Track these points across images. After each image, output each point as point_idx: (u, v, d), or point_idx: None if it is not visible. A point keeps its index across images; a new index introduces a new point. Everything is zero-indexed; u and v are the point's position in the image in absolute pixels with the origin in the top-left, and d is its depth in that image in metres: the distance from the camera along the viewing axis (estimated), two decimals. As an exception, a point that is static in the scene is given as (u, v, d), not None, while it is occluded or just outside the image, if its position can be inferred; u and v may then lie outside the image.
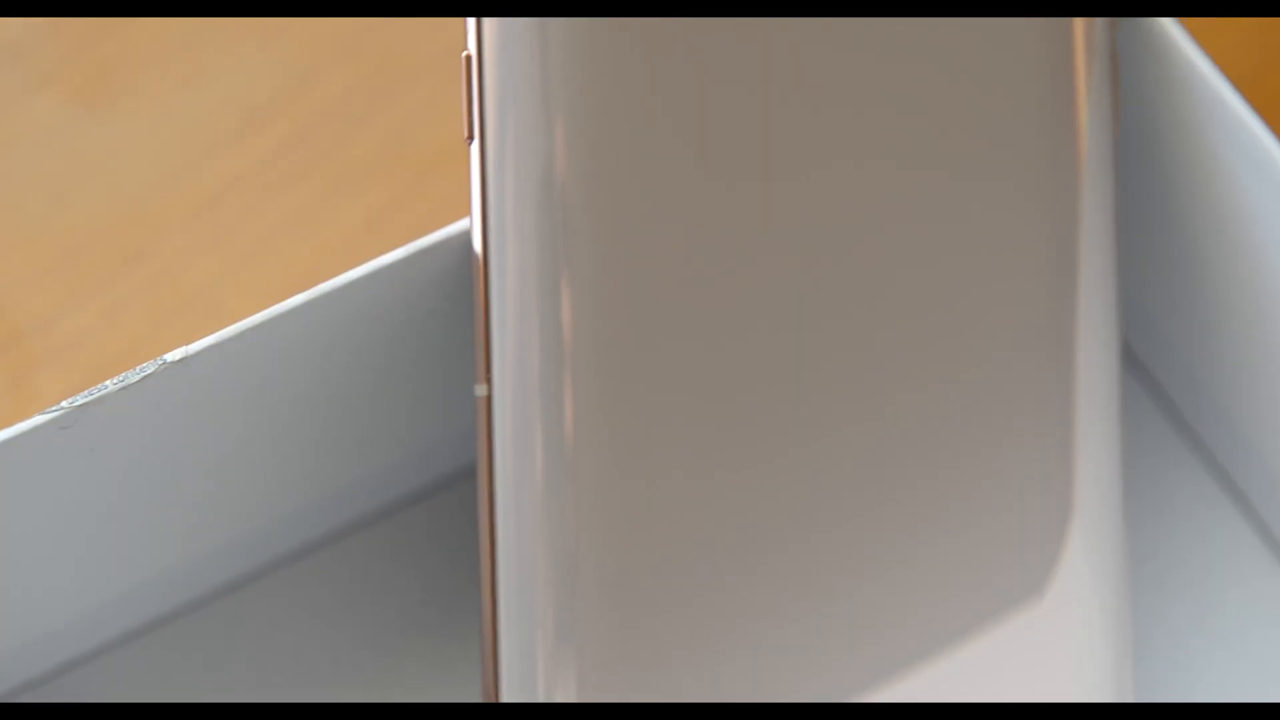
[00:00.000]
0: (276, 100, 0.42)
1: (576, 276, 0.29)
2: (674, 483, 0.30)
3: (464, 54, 0.30)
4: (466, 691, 0.34)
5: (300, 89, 0.42)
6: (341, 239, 0.41)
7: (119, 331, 0.40)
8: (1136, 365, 0.37)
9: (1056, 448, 0.30)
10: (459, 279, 0.31)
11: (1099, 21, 0.31)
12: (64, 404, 0.29)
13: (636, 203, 0.30)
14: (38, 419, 0.29)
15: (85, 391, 0.29)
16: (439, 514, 0.35)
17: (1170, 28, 0.32)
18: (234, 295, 0.40)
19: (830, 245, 0.30)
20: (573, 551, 0.29)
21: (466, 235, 0.31)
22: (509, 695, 0.29)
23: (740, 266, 0.30)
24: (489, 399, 0.30)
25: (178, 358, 0.30)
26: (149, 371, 0.29)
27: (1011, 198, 0.31)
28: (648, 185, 0.30)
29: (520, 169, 0.29)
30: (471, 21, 0.30)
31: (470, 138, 0.30)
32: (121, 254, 0.40)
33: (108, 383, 0.29)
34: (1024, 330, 0.31)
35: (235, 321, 0.38)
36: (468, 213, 0.34)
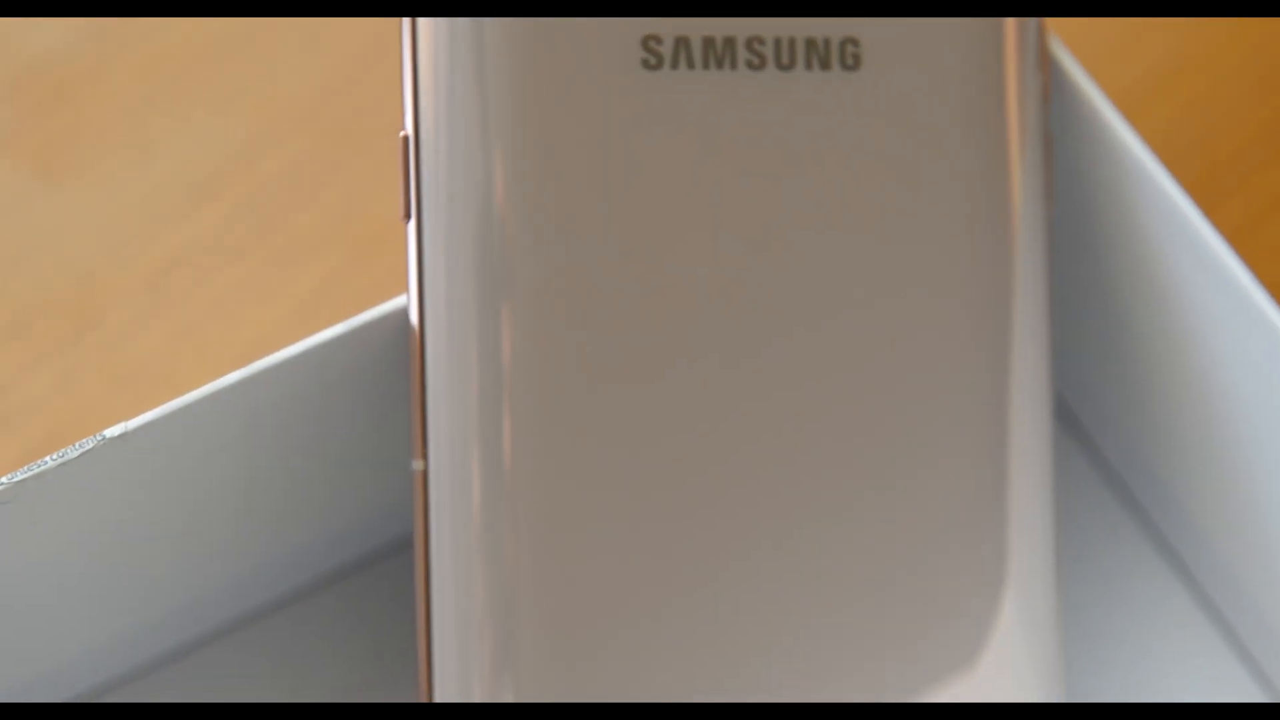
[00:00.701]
0: (227, 171, 0.42)
1: (511, 353, 0.30)
2: (613, 556, 0.30)
3: (401, 134, 0.30)
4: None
5: (250, 160, 0.42)
6: (290, 308, 0.41)
7: (70, 400, 0.40)
8: (1072, 422, 0.38)
9: (988, 506, 0.31)
10: (397, 354, 0.32)
11: (1033, 93, 0.31)
12: (2, 480, 0.30)
13: (572, 280, 0.30)
14: (-25, 493, 0.29)
15: (25, 467, 0.30)
16: (377, 585, 0.36)
17: (1102, 106, 0.32)
18: (184, 364, 0.40)
19: (766, 301, 0.30)
20: (509, 624, 0.29)
21: (404, 311, 0.31)
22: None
23: (679, 333, 0.30)
24: (424, 474, 0.30)
25: (117, 433, 0.30)
26: (88, 447, 0.30)
27: (945, 257, 0.31)
28: (584, 262, 0.30)
29: (455, 248, 0.30)
30: (409, 102, 0.30)
31: (406, 217, 0.30)
32: (73, 323, 0.41)
33: (47, 459, 0.30)
34: (956, 386, 0.31)
35: (186, 390, 0.38)
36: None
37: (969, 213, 0.31)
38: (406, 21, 0.30)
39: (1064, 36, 0.41)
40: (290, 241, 0.42)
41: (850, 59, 0.31)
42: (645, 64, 0.30)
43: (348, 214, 0.42)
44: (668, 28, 0.30)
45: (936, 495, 0.31)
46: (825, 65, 0.31)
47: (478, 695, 0.29)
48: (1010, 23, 0.32)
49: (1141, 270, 0.33)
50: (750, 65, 0.31)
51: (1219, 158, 0.43)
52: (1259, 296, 0.31)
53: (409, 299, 0.30)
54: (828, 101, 0.31)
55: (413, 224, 0.30)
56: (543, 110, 0.30)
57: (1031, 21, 0.32)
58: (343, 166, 0.42)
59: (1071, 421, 0.38)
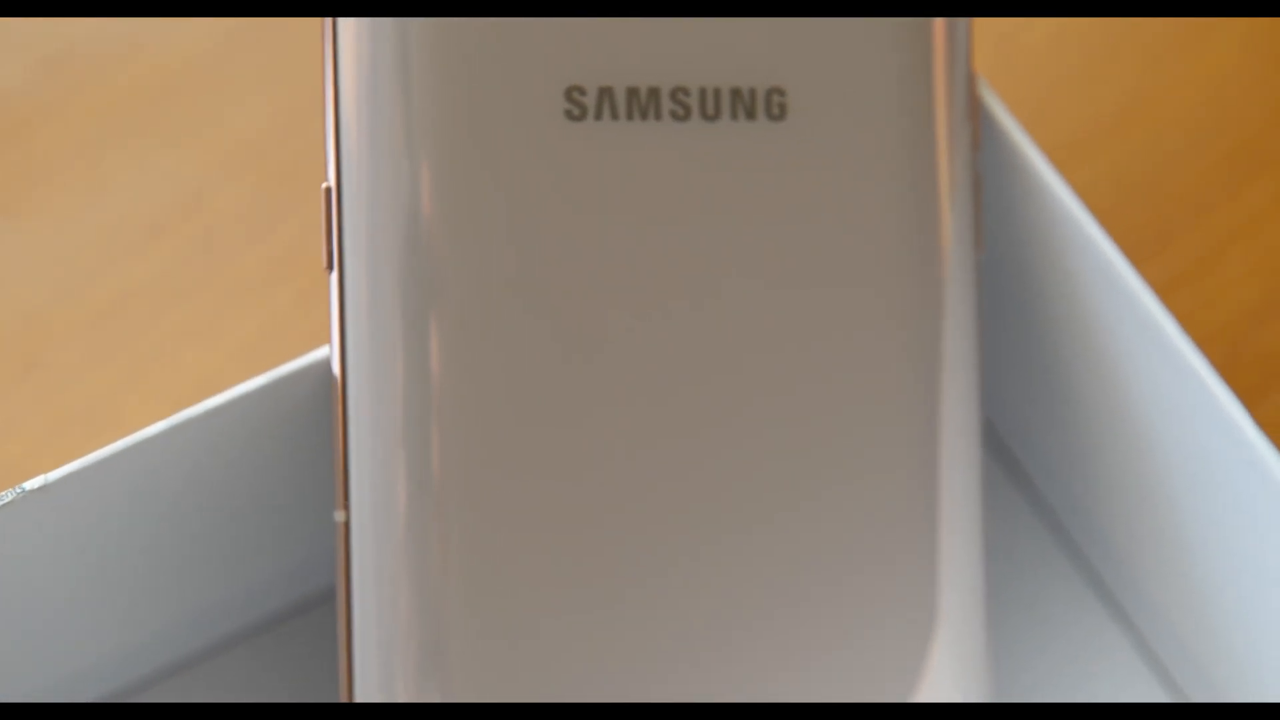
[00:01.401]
0: (177, 211, 0.42)
1: (436, 404, 0.30)
2: (539, 610, 0.30)
3: (324, 185, 0.30)
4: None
5: (201, 200, 0.42)
6: (237, 349, 0.41)
7: (16, 439, 0.40)
8: (1003, 453, 0.38)
9: (919, 539, 0.31)
10: (320, 404, 0.32)
11: (961, 139, 0.31)
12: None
13: (495, 331, 0.30)
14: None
15: (-57, 519, 0.30)
16: (300, 636, 0.36)
17: (1029, 152, 0.32)
18: (131, 404, 0.40)
19: (694, 344, 0.30)
20: (434, 675, 0.29)
21: (326, 362, 0.31)
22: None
23: (606, 377, 0.30)
24: (347, 524, 0.30)
25: (37, 485, 0.30)
26: (8, 500, 0.30)
27: (874, 300, 0.31)
28: (507, 312, 0.30)
29: (377, 299, 0.30)
30: (331, 153, 0.30)
31: (329, 267, 0.30)
32: (20, 363, 0.41)
33: (-37, 512, 0.30)
34: (887, 420, 0.31)
35: (131, 432, 0.38)
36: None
37: (898, 257, 0.31)
38: (329, 70, 0.30)
39: (1021, 73, 0.41)
40: (237, 282, 0.42)
41: (776, 109, 0.31)
42: (569, 115, 0.30)
43: (295, 255, 0.42)
44: (591, 78, 0.30)
45: (866, 523, 0.31)
46: (751, 115, 0.31)
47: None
48: (939, 69, 0.32)
49: (1069, 310, 0.33)
50: (675, 116, 0.31)
51: (1172, 193, 0.43)
52: (1181, 342, 0.31)
53: (331, 349, 0.30)
54: (754, 152, 0.31)
55: (335, 274, 0.30)
56: (466, 162, 0.30)
57: (961, 68, 0.32)
58: (291, 207, 0.42)
59: (1002, 451, 0.38)
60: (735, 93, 0.31)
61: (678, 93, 0.31)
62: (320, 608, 0.36)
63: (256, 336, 0.41)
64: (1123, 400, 0.33)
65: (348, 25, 0.30)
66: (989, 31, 0.44)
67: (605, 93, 0.30)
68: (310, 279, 0.41)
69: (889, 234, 0.31)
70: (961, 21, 0.32)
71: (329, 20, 0.30)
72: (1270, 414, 0.41)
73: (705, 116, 0.31)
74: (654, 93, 0.31)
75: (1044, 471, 0.37)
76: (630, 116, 0.31)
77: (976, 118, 0.32)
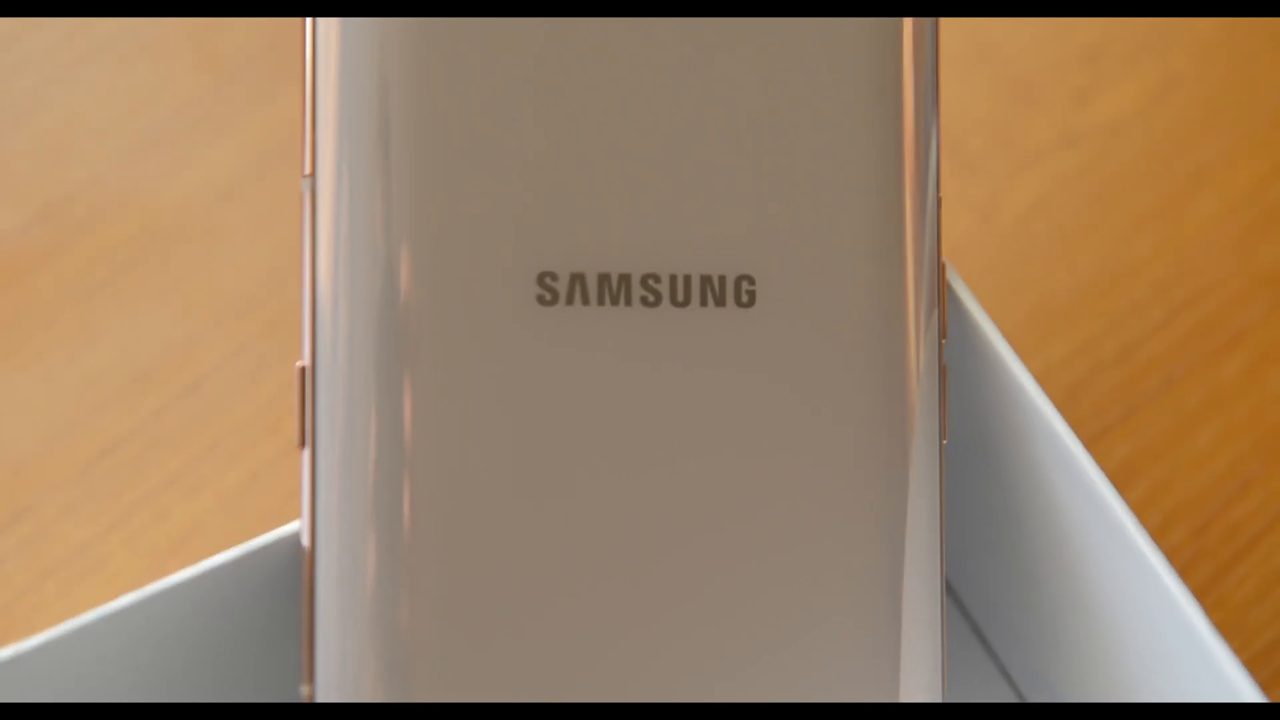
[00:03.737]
0: (165, 360, 0.43)
1: (407, 582, 0.30)
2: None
3: (299, 365, 0.31)
4: None
5: (190, 351, 0.43)
6: (222, 498, 0.42)
7: (2, 586, 0.41)
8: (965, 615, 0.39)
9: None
10: (291, 578, 0.32)
11: (928, 329, 0.32)
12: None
13: (465, 511, 0.30)
14: None
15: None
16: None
17: (995, 340, 0.33)
18: (114, 555, 0.41)
19: (669, 517, 0.31)
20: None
21: (297, 535, 0.32)
22: None
23: (582, 562, 0.31)
24: (312, 698, 0.30)
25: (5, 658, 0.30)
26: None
27: (842, 481, 0.32)
28: (476, 495, 0.31)
29: (349, 478, 0.30)
30: (307, 335, 0.31)
31: (302, 444, 0.31)
32: (8, 509, 0.41)
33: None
34: (847, 602, 0.31)
35: (114, 581, 0.39)
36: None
37: (863, 444, 0.32)
38: (308, 244, 0.31)
39: (999, 243, 0.42)
40: (223, 434, 0.42)
41: (745, 296, 0.32)
42: (541, 300, 0.31)
43: (280, 407, 0.42)
44: (563, 264, 0.31)
45: (831, 680, 0.31)
46: (720, 302, 0.32)
47: None
48: (908, 259, 0.32)
49: (1031, 492, 0.34)
50: (645, 302, 0.31)
51: (1144, 365, 0.44)
52: (1138, 536, 0.31)
53: (302, 524, 0.31)
54: (723, 338, 0.32)
55: (308, 451, 0.31)
56: (439, 345, 0.31)
57: (928, 258, 0.32)
58: (278, 360, 0.43)
59: (964, 615, 0.38)
60: (705, 280, 0.32)
61: (648, 279, 0.31)
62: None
63: (241, 487, 0.42)
64: (1082, 583, 0.34)
65: (325, 206, 0.31)
66: (969, 200, 0.45)
67: (577, 278, 0.31)
68: (291, 435, 0.42)
69: (855, 420, 0.32)
70: (929, 207, 0.33)
71: (307, 190, 0.31)
72: (1236, 589, 0.41)
73: (675, 303, 0.31)
74: (625, 279, 0.31)
75: (1005, 641, 0.38)
76: (601, 302, 0.31)
77: (944, 306, 0.33)
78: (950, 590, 0.39)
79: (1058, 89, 0.47)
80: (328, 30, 0.31)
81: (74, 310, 0.44)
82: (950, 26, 0.47)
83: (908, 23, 0.33)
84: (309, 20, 0.31)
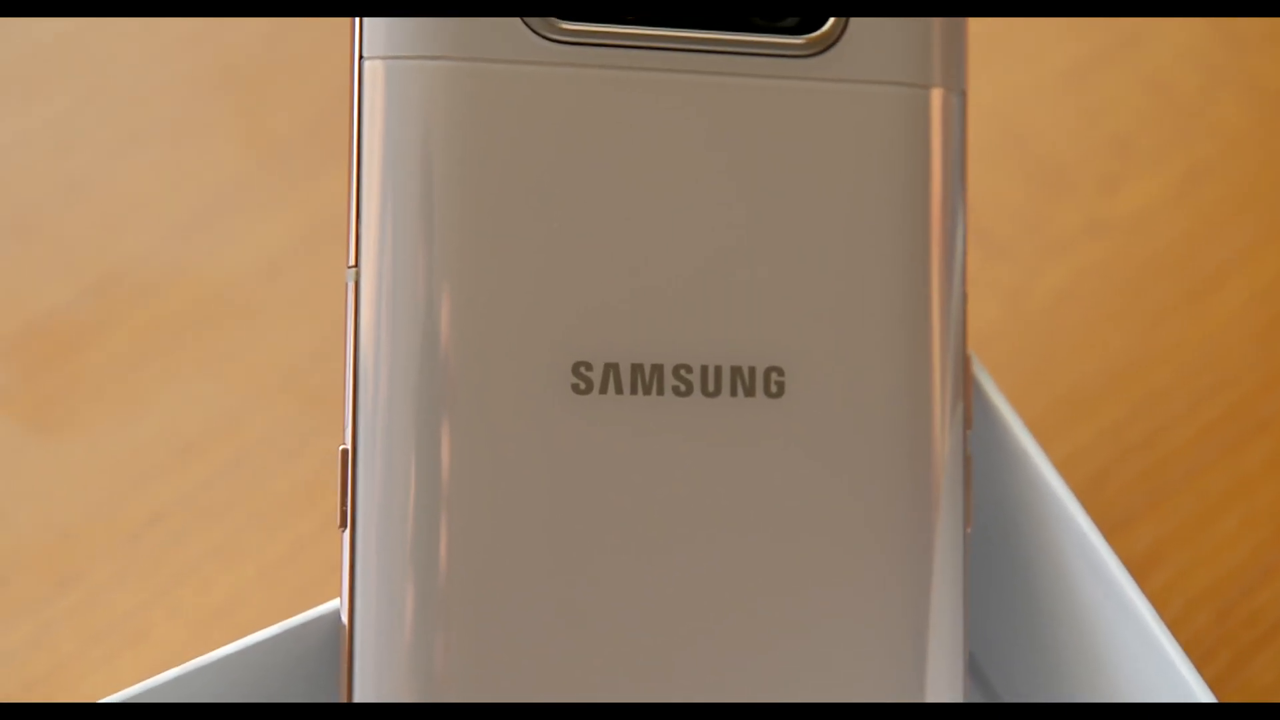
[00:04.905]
0: (211, 433, 0.44)
1: (443, 664, 0.31)
2: None
3: (341, 448, 0.32)
4: None
5: (235, 423, 0.44)
6: (264, 570, 0.43)
7: (47, 653, 0.42)
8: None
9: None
10: (329, 655, 0.33)
11: (954, 421, 0.33)
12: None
13: (502, 598, 0.31)
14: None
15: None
16: None
17: (1020, 434, 0.34)
18: (158, 622, 0.42)
19: (689, 604, 0.32)
20: None
21: (336, 613, 0.32)
22: None
23: (612, 658, 0.32)
24: (348, 776, 0.31)
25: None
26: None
27: (869, 569, 0.32)
28: (513, 580, 0.31)
29: (387, 559, 0.31)
30: (349, 417, 0.32)
31: (343, 526, 0.32)
32: (54, 578, 0.42)
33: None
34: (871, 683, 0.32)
35: (157, 650, 0.40)
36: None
37: (890, 533, 0.33)
38: (350, 331, 0.32)
39: (1026, 329, 0.43)
40: (266, 505, 0.43)
41: (774, 386, 0.33)
42: (575, 389, 0.32)
43: (322, 480, 0.43)
44: (597, 354, 0.32)
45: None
46: (750, 393, 0.32)
47: None
48: (935, 352, 0.33)
49: (1052, 576, 0.35)
50: (677, 392, 0.32)
51: (1168, 452, 0.44)
52: (1156, 628, 0.32)
53: (341, 602, 0.32)
54: (752, 427, 0.32)
55: (348, 532, 0.32)
56: (475, 432, 0.32)
57: (954, 349, 0.33)
58: (321, 432, 0.44)
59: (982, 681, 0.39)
60: (735, 370, 0.32)
61: (681, 369, 0.32)
62: None
63: (283, 559, 0.43)
64: (1103, 671, 0.34)
65: (368, 296, 0.32)
66: (997, 285, 0.46)
67: (611, 368, 0.32)
68: (333, 506, 0.43)
69: (881, 509, 0.33)
70: (955, 299, 0.33)
71: (351, 280, 0.32)
72: (1258, 675, 0.42)
73: (706, 393, 0.32)
74: (658, 369, 0.32)
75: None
76: (635, 391, 0.32)
77: (969, 396, 0.33)
78: (977, 672, 0.40)
79: (1087, 177, 0.48)
80: (372, 119, 0.32)
81: (123, 382, 0.45)
82: (980, 114, 0.48)
83: (936, 110, 0.33)
84: (354, 109, 0.32)
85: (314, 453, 0.44)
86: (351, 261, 0.32)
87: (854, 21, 0.33)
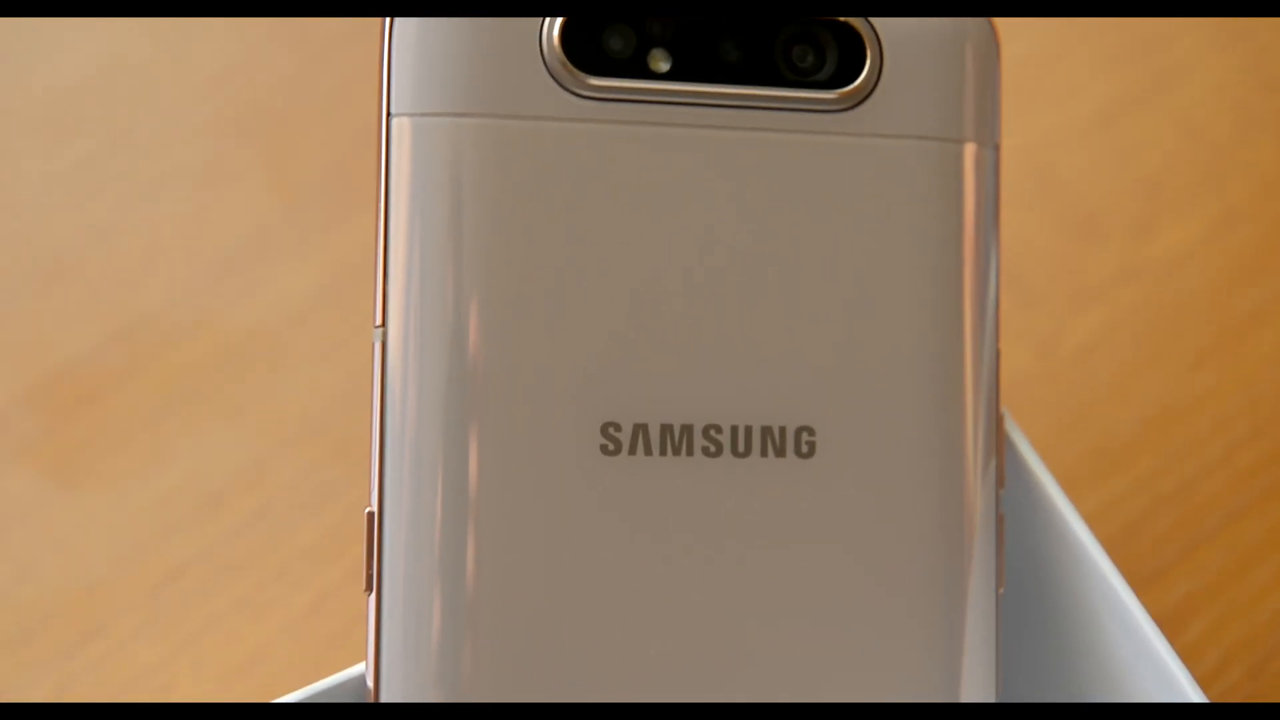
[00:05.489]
0: (235, 483, 0.44)
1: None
2: None
3: (367, 510, 0.32)
4: None
5: (259, 471, 0.44)
6: (289, 622, 0.42)
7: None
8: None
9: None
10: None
11: (986, 479, 0.32)
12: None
13: (531, 660, 0.31)
14: None
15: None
16: None
17: (1052, 491, 0.33)
18: (181, 677, 0.42)
19: (720, 653, 0.31)
20: None
21: (361, 678, 0.32)
22: None
23: None
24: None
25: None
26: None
27: (896, 624, 0.32)
28: (538, 642, 0.31)
29: (413, 627, 0.31)
30: (375, 481, 0.32)
31: (369, 589, 0.31)
32: (79, 630, 0.42)
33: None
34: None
35: (181, 700, 0.40)
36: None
37: (922, 594, 0.32)
38: (377, 395, 0.32)
39: (1059, 378, 0.43)
40: (290, 558, 0.43)
41: (805, 446, 0.32)
42: (604, 450, 0.32)
43: (347, 532, 0.43)
44: (627, 415, 0.32)
45: None
46: (780, 453, 0.32)
47: None
48: (967, 409, 0.33)
49: (1084, 634, 0.34)
50: (706, 452, 0.32)
51: (1202, 502, 0.44)
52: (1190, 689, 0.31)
53: (367, 667, 0.31)
54: (783, 488, 0.32)
55: (373, 597, 0.31)
56: (502, 496, 0.31)
57: (987, 407, 0.33)
58: (347, 482, 0.44)
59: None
60: (766, 431, 0.32)
61: (710, 429, 0.32)
62: None
63: (308, 611, 0.42)
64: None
65: (395, 357, 0.31)
66: (1029, 332, 0.45)
67: (640, 429, 0.32)
68: (358, 559, 0.43)
69: (914, 568, 0.32)
70: (988, 356, 0.33)
71: (378, 340, 0.32)
72: (1295, 730, 0.41)
73: (736, 453, 0.32)
74: (687, 429, 0.32)
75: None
76: (664, 452, 0.32)
77: (1001, 454, 0.33)
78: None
79: (1118, 221, 0.48)
80: (399, 177, 0.32)
81: (147, 432, 0.44)
82: (1010, 157, 0.48)
83: (969, 165, 0.33)
84: (382, 166, 0.32)
85: (339, 504, 0.44)
86: (378, 321, 0.32)
87: (886, 75, 0.33)
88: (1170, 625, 0.41)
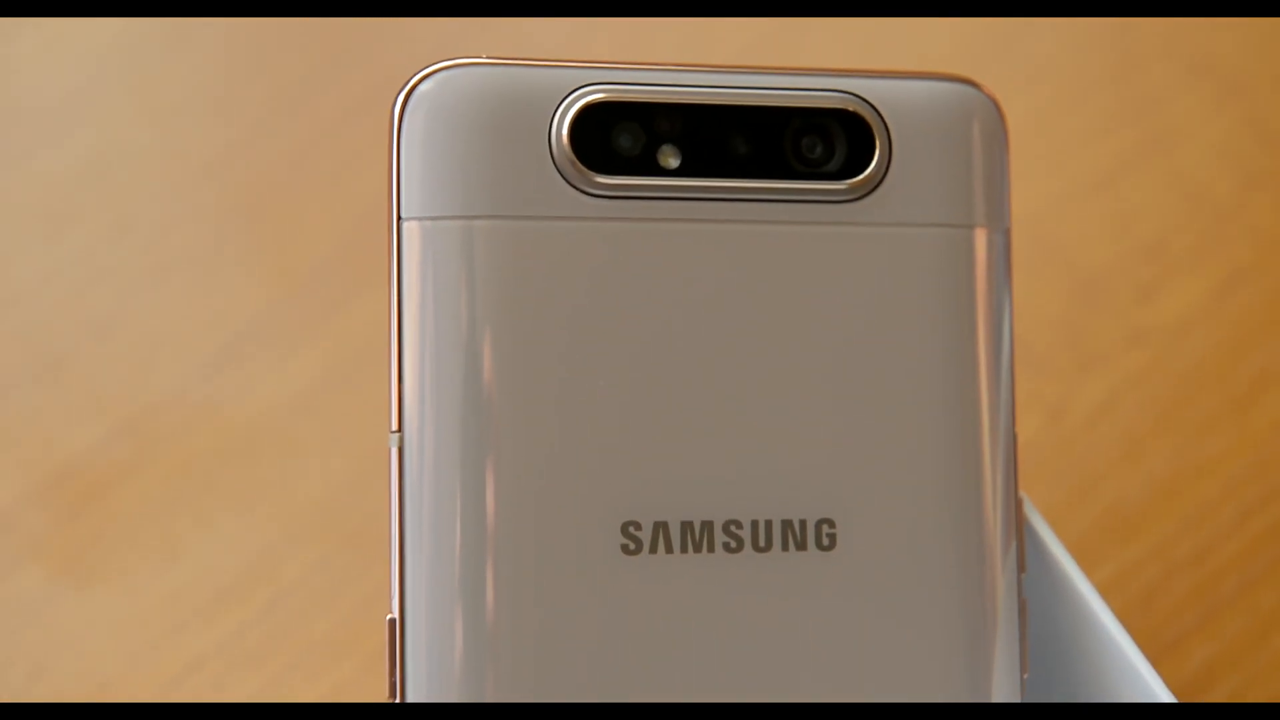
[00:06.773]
0: (246, 576, 0.44)
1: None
2: None
3: (389, 617, 0.31)
4: None
5: (271, 565, 0.44)
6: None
7: (86, 807, 0.41)
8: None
9: None
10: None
11: (1007, 565, 0.32)
12: None
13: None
14: None
15: None
16: None
17: (1073, 574, 0.33)
18: (197, 774, 0.41)
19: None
20: None
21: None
22: None
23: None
24: None
25: None
26: None
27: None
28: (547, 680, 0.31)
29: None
30: (395, 586, 0.31)
31: (392, 696, 0.31)
32: (92, 730, 0.42)
33: None
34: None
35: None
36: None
37: (947, 682, 0.32)
38: (394, 507, 0.32)
39: (1070, 446, 0.42)
40: (303, 651, 0.43)
41: (826, 539, 0.32)
42: (625, 549, 0.31)
43: (362, 623, 0.43)
44: (647, 513, 0.32)
45: None
46: (801, 546, 0.32)
47: None
48: (986, 496, 0.33)
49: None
50: (727, 548, 0.32)
51: (1218, 568, 0.44)
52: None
53: (393, 775, 0.31)
54: (805, 582, 0.32)
55: (398, 701, 0.31)
56: (522, 602, 0.31)
57: (1005, 491, 0.33)
58: (360, 572, 0.44)
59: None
60: (786, 524, 0.32)
61: (730, 525, 0.32)
62: None
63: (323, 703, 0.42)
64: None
65: (411, 464, 0.31)
66: (1037, 399, 0.45)
67: (660, 527, 0.32)
68: (373, 650, 0.42)
69: (937, 658, 0.32)
70: (1006, 442, 0.33)
71: (394, 446, 0.32)
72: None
73: (757, 548, 0.32)
74: (707, 526, 0.32)
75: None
76: (685, 550, 0.32)
77: (1022, 540, 0.33)
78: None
79: (1123, 285, 0.48)
80: (411, 281, 0.31)
81: (155, 526, 0.44)
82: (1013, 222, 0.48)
83: (980, 251, 0.33)
84: (393, 270, 0.32)
85: (352, 594, 0.44)
86: (394, 426, 0.31)
87: (895, 163, 0.33)
88: (1191, 694, 0.41)
